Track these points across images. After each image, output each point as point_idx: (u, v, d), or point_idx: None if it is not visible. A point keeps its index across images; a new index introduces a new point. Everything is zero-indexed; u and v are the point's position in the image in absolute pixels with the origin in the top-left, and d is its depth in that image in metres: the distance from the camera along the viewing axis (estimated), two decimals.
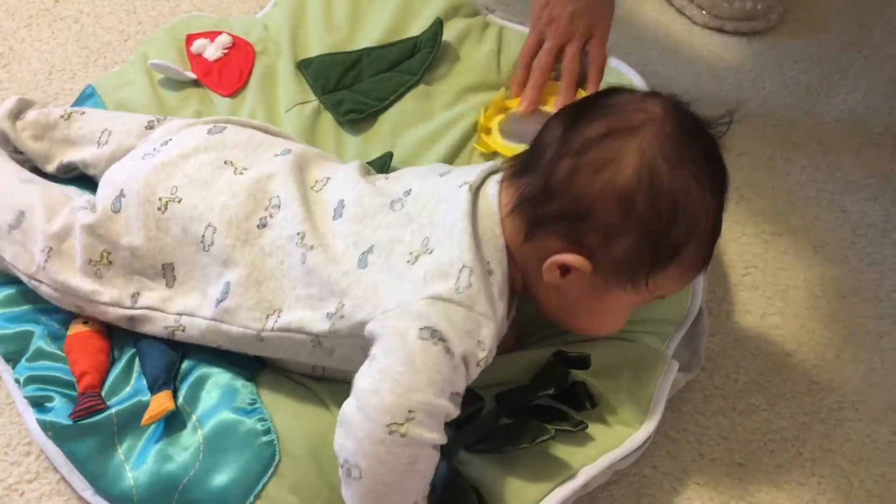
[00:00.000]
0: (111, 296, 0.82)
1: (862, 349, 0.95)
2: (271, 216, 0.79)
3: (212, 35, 1.12)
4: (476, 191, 0.76)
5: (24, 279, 0.85)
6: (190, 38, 1.12)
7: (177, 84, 1.08)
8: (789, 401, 0.91)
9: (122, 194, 0.83)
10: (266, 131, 0.92)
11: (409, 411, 0.66)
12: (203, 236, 0.80)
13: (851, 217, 1.05)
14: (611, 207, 0.70)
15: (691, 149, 0.71)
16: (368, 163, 0.98)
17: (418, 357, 0.68)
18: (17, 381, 0.83)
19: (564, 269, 0.73)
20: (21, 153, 0.98)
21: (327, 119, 1.04)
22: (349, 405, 0.69)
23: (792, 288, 0.99)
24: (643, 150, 0.70)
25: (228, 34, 1.12)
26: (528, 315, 0.88)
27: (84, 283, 0.82)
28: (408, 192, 0.78)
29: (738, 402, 0.90)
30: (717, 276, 0.99)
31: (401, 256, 0.74)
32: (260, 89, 1.06)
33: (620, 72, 1.07)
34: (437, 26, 1.09)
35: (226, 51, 1.11)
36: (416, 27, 1.11)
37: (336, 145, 1.02)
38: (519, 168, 0.77)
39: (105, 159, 0.92)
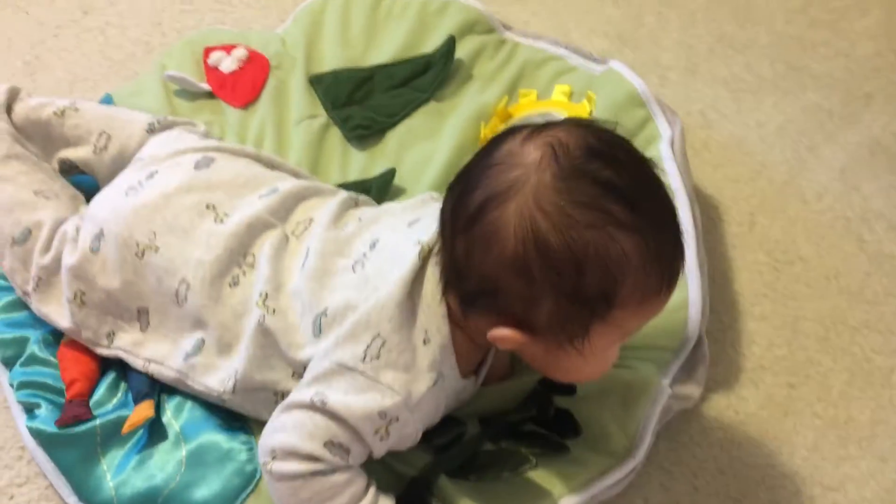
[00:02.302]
0: (87, 336, 0.83)
1: (871, 385, 0.91)
2: (244, 274, 0.78)
3: (229, 48, 1.13)
4: (428, 252, 0.71)
5: (18, 293, 0.87)
6: (208, 51, 1.13)
7: (191, 94, 1.09)
8: (791, 435, 0.88)
9: (101, 233, 0.82)
10: (258, 159, 0.90)
11: (272, 450, 0.69)
12: (177, 291, 0.79)
13: (869, 247, 1.02)
14: (513, 280, 0.65)
15: (575, 191, 0.63)
16: (371, 179, 0.99)
17: (297, 409, 0.70)
18: (11, 385, 0.84)
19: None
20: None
21: (335, 134, 1.04)
22: None
23: (801, 319, 0.96)
24: (520, 213, 0.63)
25: (245, 48, 1.13)
26: None
27: (63, 319, 0.83)
28: (373, 245, 0.75)
29: (736, 435, 0.88)
30: (725, 303, 0.97)
31: None
32: (271, 102, 1.07)
33: (623, 76, 1.04)
34: (450, 44, 1.09)
35: (241, 64, 1.12)
36: (431, 44, 1.11)
37: (341, 160, 1.02)
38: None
39: (106, 165, 0.92)
